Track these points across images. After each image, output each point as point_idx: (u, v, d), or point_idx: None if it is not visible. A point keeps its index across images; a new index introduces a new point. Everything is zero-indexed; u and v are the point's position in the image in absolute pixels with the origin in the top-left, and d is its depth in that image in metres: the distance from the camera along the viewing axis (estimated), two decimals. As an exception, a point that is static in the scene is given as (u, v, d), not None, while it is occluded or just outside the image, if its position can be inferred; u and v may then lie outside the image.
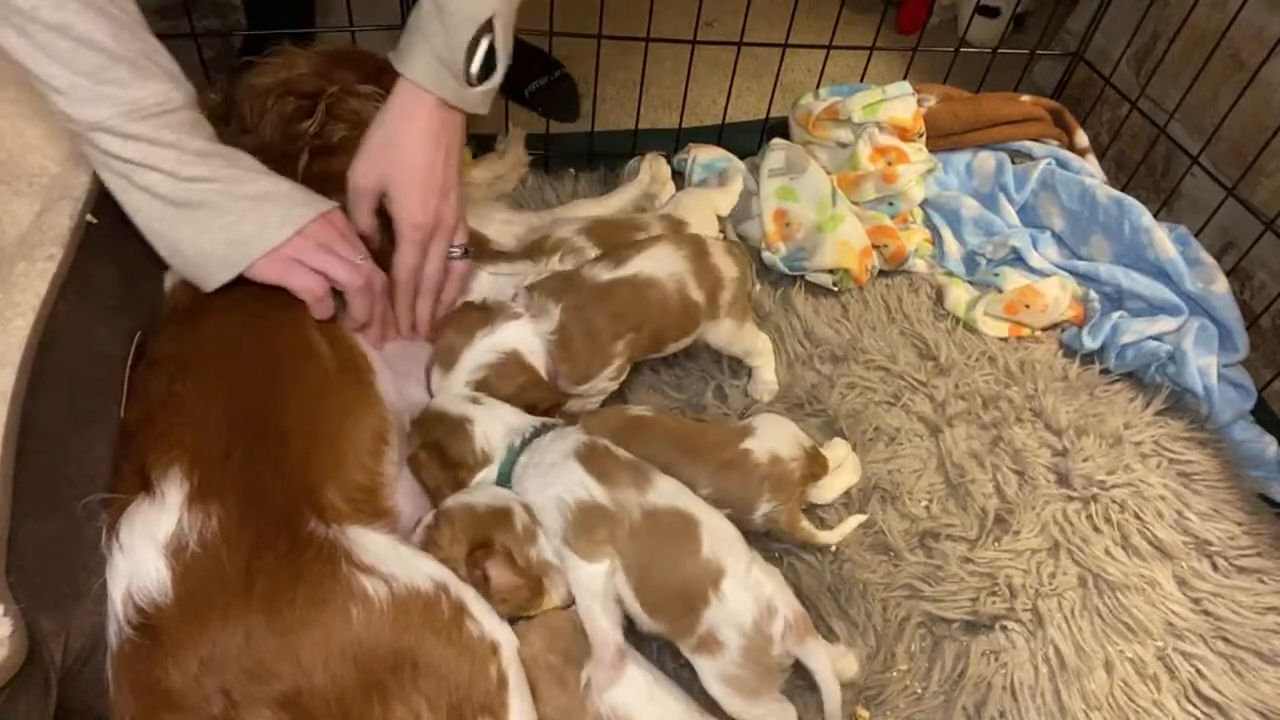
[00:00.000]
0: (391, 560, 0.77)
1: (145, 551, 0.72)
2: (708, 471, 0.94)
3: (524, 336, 0.99)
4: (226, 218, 0.85)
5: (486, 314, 1.00)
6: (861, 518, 1.04)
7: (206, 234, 0.84)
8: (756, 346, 1.17)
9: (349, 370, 0.92)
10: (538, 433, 0.91)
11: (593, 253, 1.12)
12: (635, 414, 0.99)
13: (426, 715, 0.73)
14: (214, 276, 0.87)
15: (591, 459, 0.86)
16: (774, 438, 0.98)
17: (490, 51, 0.92)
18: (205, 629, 0.70)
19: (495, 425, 0.91)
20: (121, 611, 0.72)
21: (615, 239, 1.15)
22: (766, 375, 1.19)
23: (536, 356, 0.99)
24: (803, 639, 0.83)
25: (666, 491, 0.86)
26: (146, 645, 0.70)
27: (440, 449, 0.90)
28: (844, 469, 1.08)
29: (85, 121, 0.79)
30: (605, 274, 1.04)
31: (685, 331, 1.09)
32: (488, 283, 1.10)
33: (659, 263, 1.05)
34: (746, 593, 0.82)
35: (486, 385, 0.97)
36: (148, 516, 0.74)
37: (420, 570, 0.78)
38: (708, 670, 0.83)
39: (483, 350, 0.97)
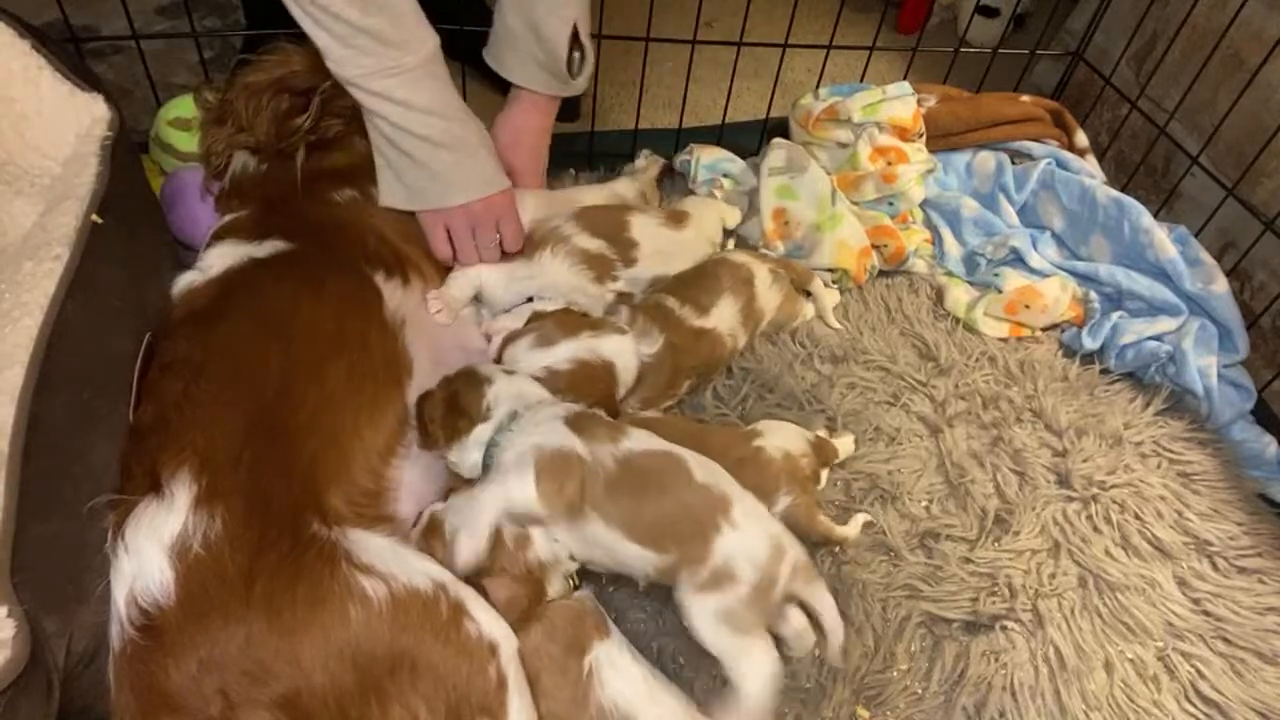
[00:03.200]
0: (390, 560, 0.77)
1: (150, 552, 0.73)
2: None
3: (623, 351, 1.02)
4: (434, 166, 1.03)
5: (594, 321, 1.04)
6: (867, 515, 1.05)
7: (415, 172, 1.04)
8: (816, 297, 1.29)
9: (383, 371, 0.93)
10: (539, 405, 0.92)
11: (581, 238, 1.15)
12: (645, 416, 1.00)
13: (425, 716, 0.73)
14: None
15: (577, 422, 0.88)
16: (781, 437, 1.00)
17: (582, 52, 1.18)
18: (206, 630, 0.70)
19: (508, 390, 0.92)
20: (125, 612, 0.72)
21: (603, 225, 1.18)
22: (825, 302, 1.30)
23: (628, 373, 1.02)
24: (809, 581, 0.86)
25: (642, 438, 0.88)
26: (148, 646, 0.70)
27: (454, 396, 0.91)
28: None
29: (341, 75, 0.98)
30: (695, 320, 1.11)
31: (719, 370, 1.19)
32: (493, 281, 1.12)
33: (724, 316, 1.15)
34: (759, 524, 0.84)
35: (564, 379, 0.98)
36: (155, 517, 0.74)
37: (419, 570, 0.78)
38: (707, 607, 0.83)
39: (583, 347, 0.99)
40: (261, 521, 0.75)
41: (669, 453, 0.87)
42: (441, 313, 1.07)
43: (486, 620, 0.78)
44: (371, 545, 0.78)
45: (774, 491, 0.96)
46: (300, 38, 0.99)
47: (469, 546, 0.83)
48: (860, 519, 1.04)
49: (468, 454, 0.90)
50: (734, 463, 0.94)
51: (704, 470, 0.87)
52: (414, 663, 0.73)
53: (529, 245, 1.15)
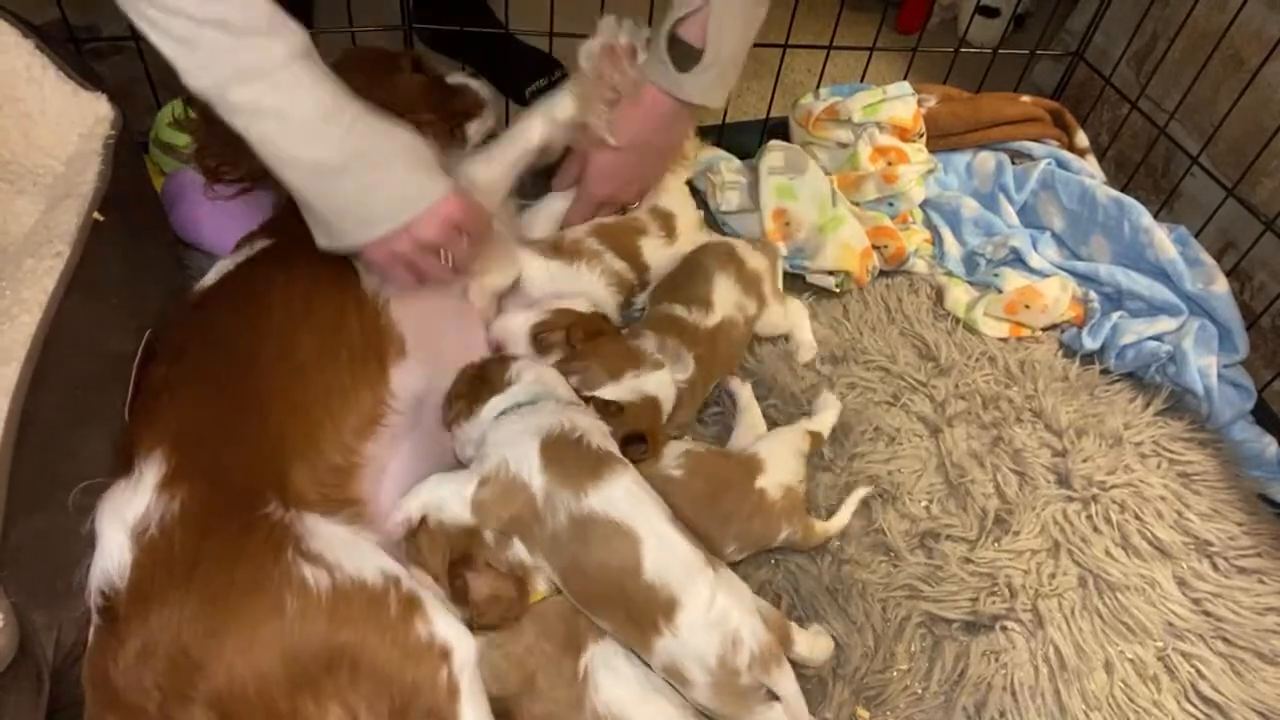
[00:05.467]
0: (340, 550, 0.73)
1: (115, 534, 0.71)
2: (733, 530, 0.94)
3: (664, 384, 1.02)
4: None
5: (636, 359, 1.03)
6: (861, 491, 1.06)
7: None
8: (792, 311, 1.25)
9: (360, 345, 0.89)
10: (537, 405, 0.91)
11: (609, 257, 1.17)
12: (665, 475, 0.96)
13: (365, 718, 0.69)
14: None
15: (553, 447, 0.83)
16: (781, 464, 0.99)
17: (685, 50, 1.06)
18: (145, 616, 0.67)
19: (531, 372, 0.93)
20: (93, 599, 0.70)
21: (619, 240, 1.20)
22: (804, 336, 1.24)
23: (668, 403, 1.03)
24: (769, 669, 0.79)
25: (612, 500, 0.82)
26: (104, 635, 0.68)
27: (484, 370, 0.92)
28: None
29: (197, 90, 0.79)
30: (707, 321, 1.11)
31: (741, 354, 1.20)
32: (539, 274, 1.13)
33: (726, 300, 1.13)
34: (710, 629, 0.78)
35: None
36: (120, 498, 0.72)
37: (370, 563, 0.73)
38: (684, 691, 0.82)
39: (626, 389, 1.00)
40: (218, 500, 0.72)
41: (629, 534, 0.80)
42: (476, 295, 1.07)
43: (441, 622, 0.73)
44: (325, 532, 0.74)
45: (777, 531, 0.96)
46: None
47: (395, 515, 0.83)
48: (851, 504, 1.03)
49: (474, 430, 0.88)
50: (744, 521, 0.94)
51: (659, 565, 0.79)
52: (355, 660, 0.69)
53: (563, 252, 1.15)
